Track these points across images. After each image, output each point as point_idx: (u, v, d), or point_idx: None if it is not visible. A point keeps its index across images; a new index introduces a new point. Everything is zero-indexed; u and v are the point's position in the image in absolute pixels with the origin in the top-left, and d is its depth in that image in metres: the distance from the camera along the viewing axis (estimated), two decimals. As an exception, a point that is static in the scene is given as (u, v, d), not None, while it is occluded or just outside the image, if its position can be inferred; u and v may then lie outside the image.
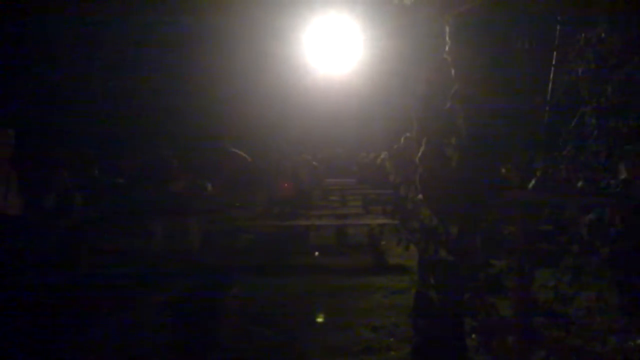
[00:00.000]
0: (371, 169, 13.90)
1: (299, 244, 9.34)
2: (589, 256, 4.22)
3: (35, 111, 10.81)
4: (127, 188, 9.82)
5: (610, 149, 4.90)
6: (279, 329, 5.30)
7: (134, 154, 10.45)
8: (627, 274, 4.68)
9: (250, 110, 14.62)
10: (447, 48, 3.31)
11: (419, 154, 3.41)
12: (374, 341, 4.83)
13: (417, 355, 3.46)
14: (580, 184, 4.81)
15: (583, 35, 4.16)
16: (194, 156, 9.58)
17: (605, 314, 5.07)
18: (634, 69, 4.48)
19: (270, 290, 6.58)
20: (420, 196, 3.42)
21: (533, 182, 4.56)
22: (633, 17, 4.35)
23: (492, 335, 3.47)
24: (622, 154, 5.19)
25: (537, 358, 4.03)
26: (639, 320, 4.82)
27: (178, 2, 15.02)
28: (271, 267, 7.79)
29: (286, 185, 10.22)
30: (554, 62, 3.92)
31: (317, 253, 8.97)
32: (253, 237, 9.64)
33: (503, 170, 3.63)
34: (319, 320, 5.59)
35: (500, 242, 3.34)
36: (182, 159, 8.95)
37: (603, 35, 4.36)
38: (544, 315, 4.52)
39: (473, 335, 3.52)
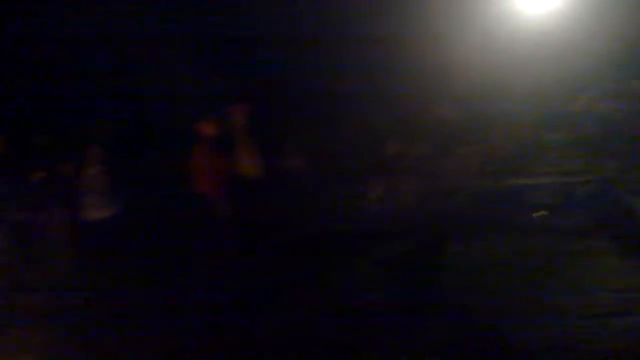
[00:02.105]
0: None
1: (519, 203, 8.95)
2: None
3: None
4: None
5: None
6: (506, 291, 5.26)
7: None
8: None
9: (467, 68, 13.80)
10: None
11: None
12: (616, 304, 4.63)
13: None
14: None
15: None
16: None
17: None
18: None
19: (491, 251, 6.52)
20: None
21: None
22: None
23: None
24: None
25: None
26: None
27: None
28: (490, 227, 7.67)
29: (499, 139, 9.76)
30: None
31: (541, 212, 8.50)
32: (469, 196, 9.48)
33: None
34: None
35: None
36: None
37: None
38: None
39: None
